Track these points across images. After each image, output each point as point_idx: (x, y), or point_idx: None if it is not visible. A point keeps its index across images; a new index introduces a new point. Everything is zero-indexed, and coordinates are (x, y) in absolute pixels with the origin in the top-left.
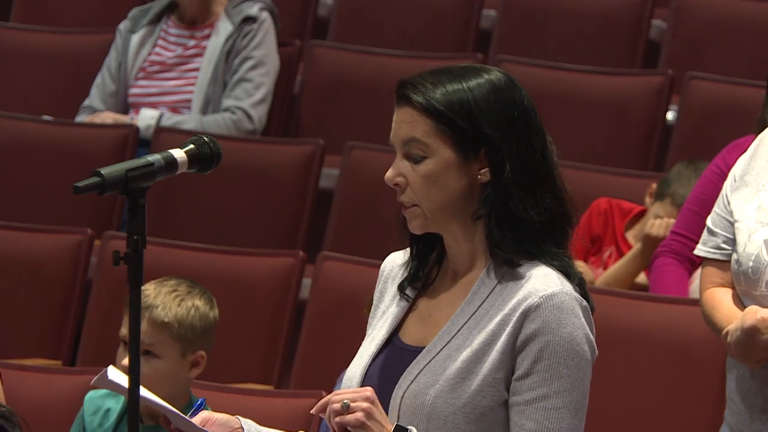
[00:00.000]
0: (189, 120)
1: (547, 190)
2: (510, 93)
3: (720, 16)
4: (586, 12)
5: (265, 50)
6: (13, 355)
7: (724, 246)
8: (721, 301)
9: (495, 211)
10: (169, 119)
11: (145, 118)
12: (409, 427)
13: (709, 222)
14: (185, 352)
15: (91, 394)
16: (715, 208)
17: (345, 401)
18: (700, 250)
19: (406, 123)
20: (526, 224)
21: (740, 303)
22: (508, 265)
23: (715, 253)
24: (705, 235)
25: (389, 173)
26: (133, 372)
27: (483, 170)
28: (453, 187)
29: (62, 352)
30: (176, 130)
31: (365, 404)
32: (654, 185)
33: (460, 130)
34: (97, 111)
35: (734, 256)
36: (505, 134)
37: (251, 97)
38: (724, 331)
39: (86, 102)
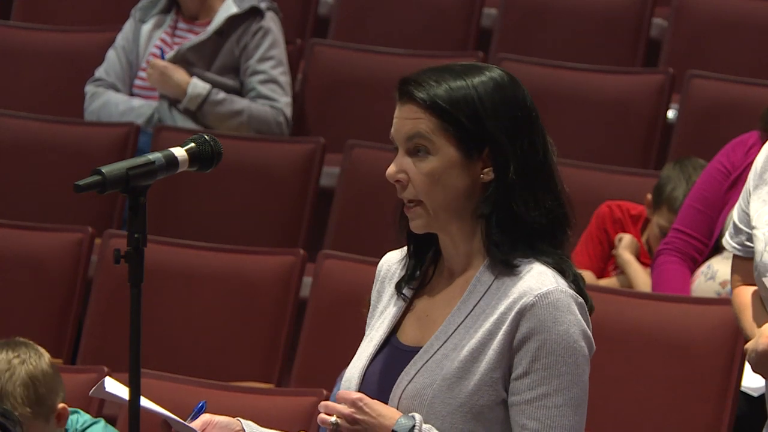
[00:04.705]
0: (237, 101)
1: (548, 191)
2: (513, 91)
3: (721, 14)
4: (586, 10)
5: (280, 49)
6: None
7: (747, 243)
8: (745, 306)
9: (496, 211)
10: (218, 94)
11: (197, 86)
12: (413, 414)
13: (734, 216)
14: (48, 415)
15: None
16: (740, 202)
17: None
18: (727, 243)
19: (410, 119)
20: (526, 225)
21: (764, 306)
22: (504, 265)
23: (740, 250)
24: (731, 228)
25: (391, 169)
26: (133, 372)
27: (486, 170)
28: (455, 186)
29: (63, 351)
30: (177, 128)
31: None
32: (649, 196)
33: (464, 129)
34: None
35: (753, 263)
36: (509, 135)
37: (284, 97)
38: (745, 347)
39: (98, 74)
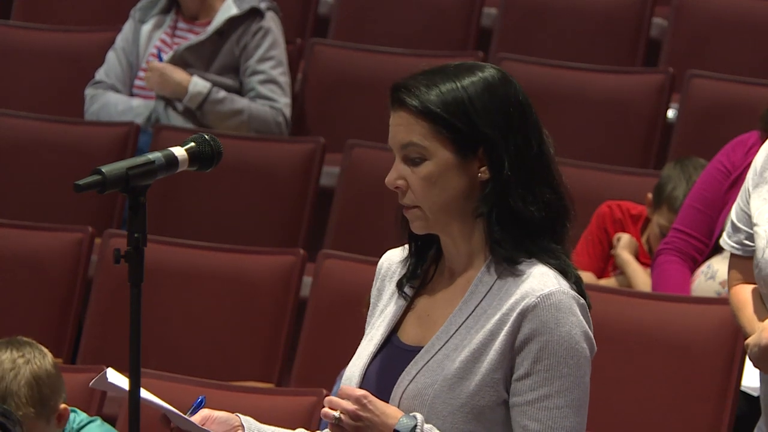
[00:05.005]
0: (237, 100)
1: (546, 184)
2: (504, 89)
3: (720, 14)
4: (586, 10)
5: (280, 50)
6: None
7: (746, 242)
8: (745, 303)
9: (495, 209)
10: (218, 93)
11: (198, 85)
12: (414, 414)
13: (732, 215)
14: (49, 416)
15: None
16: (739, 201)
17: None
18: (725, 242)
19: (402, 126)
20: (526, 221)
21: (764, 303)
22: (507, 263)
23: (738, 249)
24: (729, 228)
25: (389, 177)
26: (133, 372)
27: (482, 168)
28: (453, 187)
29: (63, 350)
30: (177, 128)
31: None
32: (650, 195)
33: (457, 131)
34: (109, 86)
35: (754, 260)
36: (502, 132)
37: (284, 98)
38: (745, 343)
39: (98, 76)
